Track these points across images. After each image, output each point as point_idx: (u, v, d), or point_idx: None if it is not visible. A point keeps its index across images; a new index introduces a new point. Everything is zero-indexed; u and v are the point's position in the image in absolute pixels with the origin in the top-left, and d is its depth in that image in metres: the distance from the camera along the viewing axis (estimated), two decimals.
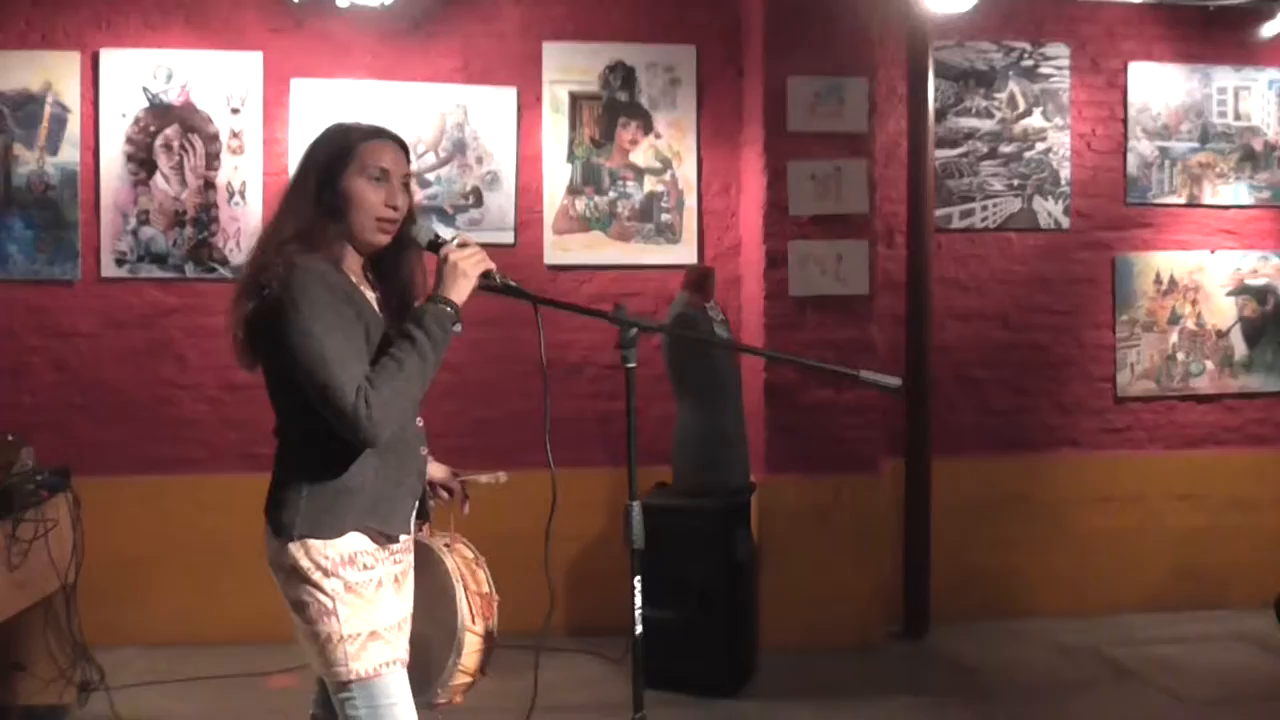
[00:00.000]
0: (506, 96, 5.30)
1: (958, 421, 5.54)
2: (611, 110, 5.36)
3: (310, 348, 2.20)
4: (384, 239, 2.41)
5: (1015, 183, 5.58)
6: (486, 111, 5.28)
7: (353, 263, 2.41)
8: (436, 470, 2.75)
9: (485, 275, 2.40)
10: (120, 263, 5.15)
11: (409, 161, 2.46)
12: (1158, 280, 5.69)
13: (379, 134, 2.42)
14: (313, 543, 2.30)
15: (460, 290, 2.36)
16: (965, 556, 5.45)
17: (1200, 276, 5.72)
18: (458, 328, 2.35)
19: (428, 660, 2.60)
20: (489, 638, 2.64)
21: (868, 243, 5.07)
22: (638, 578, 2.45)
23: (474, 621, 2.60)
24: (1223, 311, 5.75)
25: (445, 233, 2.46)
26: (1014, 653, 5.02)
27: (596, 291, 5.36)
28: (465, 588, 2.64)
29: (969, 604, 5.44)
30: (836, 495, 5.03)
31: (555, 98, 5.33)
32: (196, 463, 5.11)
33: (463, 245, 2.40)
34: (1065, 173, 5.61)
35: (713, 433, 4.60)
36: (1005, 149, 5.57)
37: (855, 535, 5.04)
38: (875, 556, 5.09)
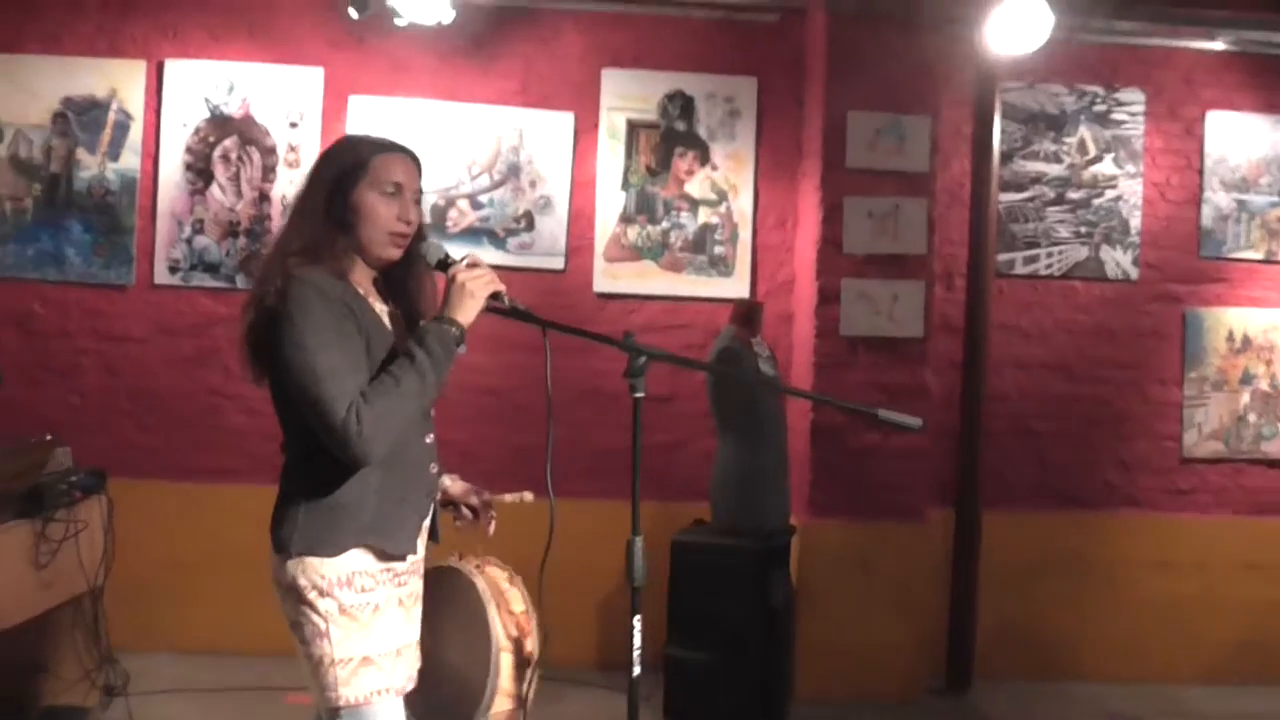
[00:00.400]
0: (563, 121, 5.27)
1: (1012, 474, 5.36)
2: (669, 139, 5.31)
3: (303, 361, 2.15)
4: (395, 254, 2.37)
5: (1082, 230, 5.42)
6: (542, 136, 5.26)
7: (362, 276, 2.37)
8: (457, 489, 2.68)
9: (494, 297, 2.34)
10: (173, 270, 5.19)
11: (421, 176, 2.42)
12: (1230, 338, 5.48)
13: (392, 147, 2.39)
14: (310, 560, 2.25)
15: (467, 311, 2.30)
16: (1013, 613, 5.27)
17: (1276, 335, 5.49)
18: (462, 349, 2.29)
19: (467, 692, 2.54)
20: (528, 658, 2.57)
21: (924, 284, 4.95)
22: (637, 617, 2.36)
23: (508, 641, 2.54)
24: None
25: (455, 252, 2.41)
26: (1058, 716, 4.82)
27: (645, 321, 5.28)
28: (498, 606, 2.58)
29: (1014, 663, 5.24)
30: (881, 542, 4.88)
31: (612, 125, 5.28)
32: (237, 473, 5.10)
33: (472, 266, 2.34)
34: (1135, 222, 5.43)
35: (752, 471, 4.50)
36: (1073, 195, 5.42)
37: (898, 584, 4.88)
38: (919, 607, 4.93)
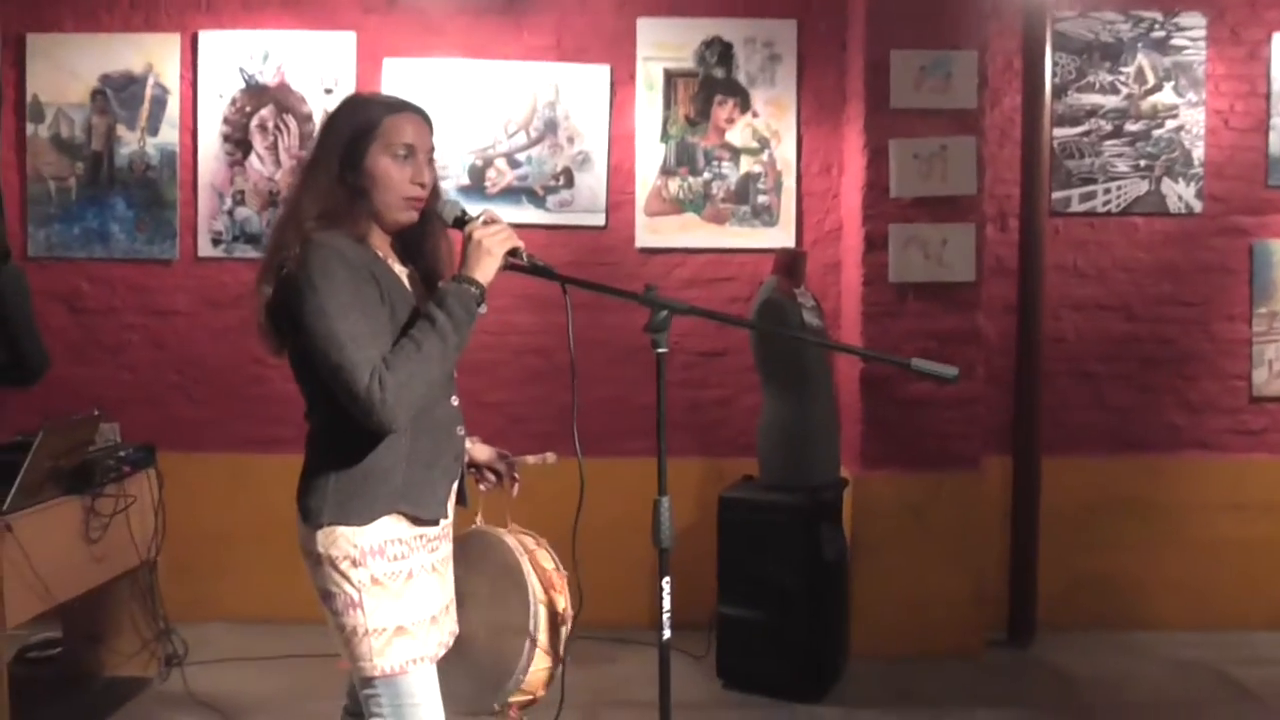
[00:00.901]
0: (599, 74, 5.16)
1: (1072, 419, 5.20)
2: (707, 88, 5.18)
3: (324, 327, 2.11)
4: (411, 217, 2.33)
5: (1142, 163, 5.20)
6: (579, 90, 5.16)
7: (379, 239, 2.33)
8: (481, 452, 2.66)
9: (512, 253, 2.28)
10: (216, 243, 5.20)
11: (432, 133, 2.36)
12: None
13: (403, 107, 2.33)
14: (341, 530, 2.23)
15: (485, 269, 2.25)
16: (1076, 562, 5.13)
17: None
18: (483, 308, 2.24)
19: (504, 651, 2.53)
20: (562, 615, 2.55)
21: (975, 226, 4.78)
22: (666, 579, 2.29)
23: (544, 593, 2.52)
24: None
25: (472, 209, 2.34)
26: (1126, 666, 4.68)
27: (690, 275, 5.20)
28: (531, 561, 2.56)
29: (1079, 613, 5.12)
30: (936, 493, 4.77)
31: (649, 75, 5.17)
32: (286, 442, 5.09)
33: (489, 222, 2.28)
34: (1198, 153, 5.19)
35: (799, 425, 4.39)
36: (1131, 127, 5.19)
37: (955, 536, 4.77)
38: (977, 559, 4.81)
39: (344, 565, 2.23)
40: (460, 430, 2.44)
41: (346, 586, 2.24)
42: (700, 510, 4.90)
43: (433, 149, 2.37)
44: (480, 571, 2.59)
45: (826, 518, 4.43)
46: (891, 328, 4.79)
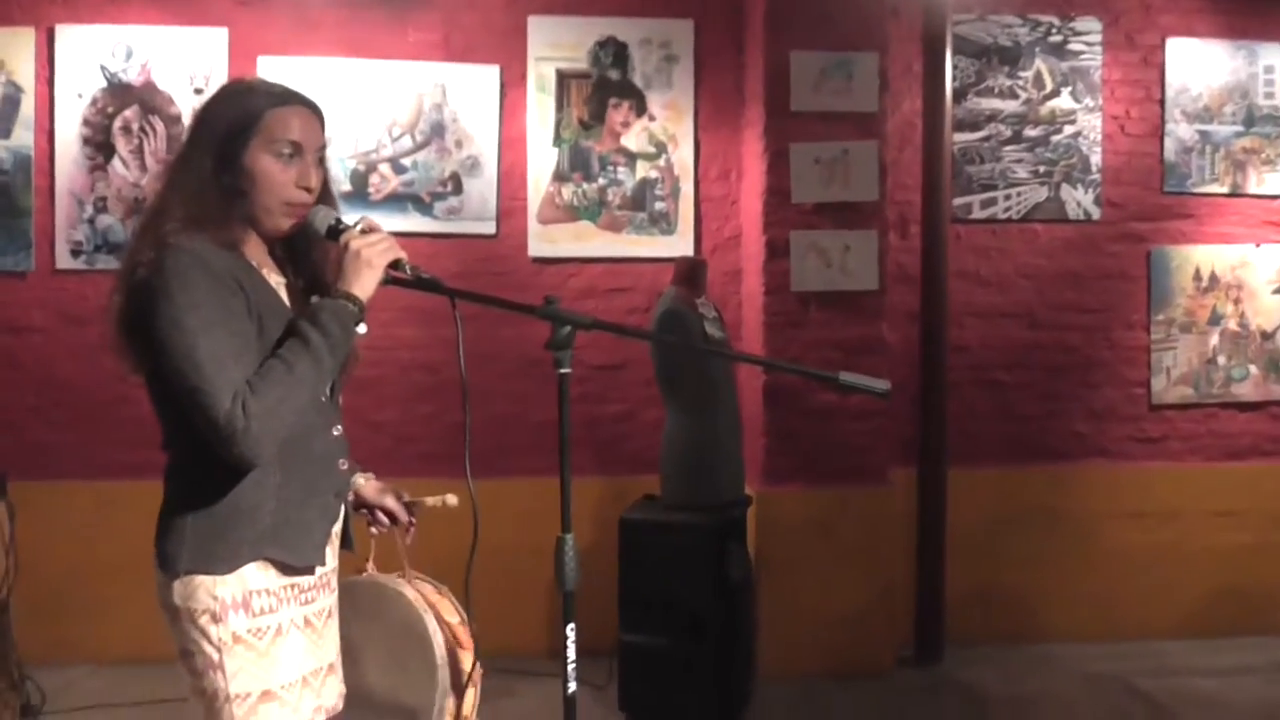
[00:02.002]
0: (489, 75, 4.92)
1: (977, 428, 5.11)
2: (602, 90, 4.97)
3: (181, 343, 1.82)
4: (289, 224, 2.04)
5: (1041, 169, 5.14)
6: (467, 91, 4.91)
7: (254, 246, 2.04)
8: (371, 491, 2.35)
9: (394, 265, 2.02)
10: (76, 254, 4.82)
11: (324, 130, 2.09)
12: (1197, 276, 5.23)
13: (290, 97, 2.03)
14: (200, 579, 1.93)
15: (365, 283, 1.98)
16: (984, 575, 5.04)
17: (1244, 273, 5.25)
18: (362, 327, 1.99)
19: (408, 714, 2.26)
20: (470, 678, 2.28)
21: (877, 233, 4.66)
22: (570, 626, 2.06)
23: (449, 658, 2.26)
24: (1269, 311, 5.27)
25: (350, 217, 2.08)
26: (1036, 682, 4.59)
27: (585, 285, 4.98)
28: (436, 617, 2.29)
29: (987, 627, 5.02)
30: (842, 508, 4.63)
31: (541, 76, 4.94)
32: (155, 468, 4.73)
33: (367, 231, 2.03)
34: (1096, 158, 5.16)
35: (703, 440, 4.20)
36: (1031, 132, 5.13)
37: (863, 551, 4.63)
38: (885, 574, 4.68)
39: (202, 620, 1.94)
40: (343, 464, 2.15)
41: (205, 645, 1.95)
42: (600, 531, 4.67)
43: (323, 146, 2.08)
44: (375, 627, 2.31)
45: (732, 536, 4.24)
46: (795, 338, 4.65)
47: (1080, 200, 5.16)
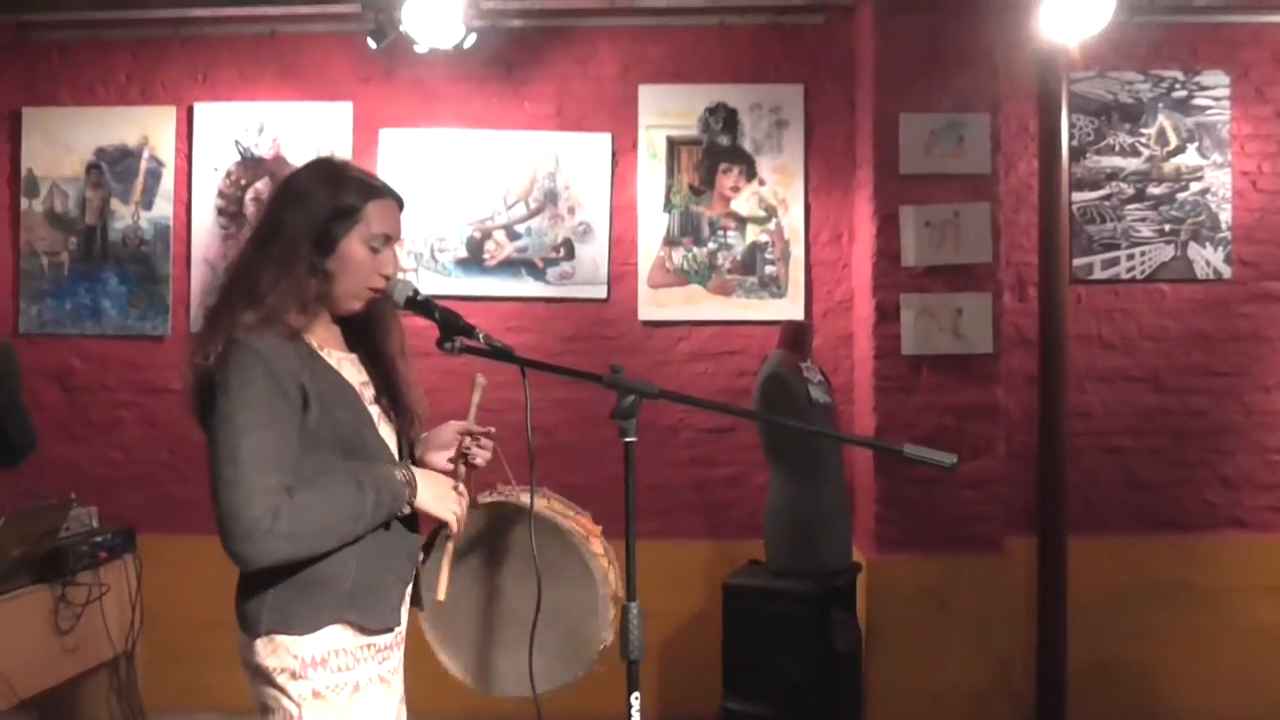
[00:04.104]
0: (600, 143, 5.03)
1: (1099, 496, 4.94)
2: (712, 155, 5.03)
3: (228, 437, 1.94)
4: (361, 306, 2.16)
5: (1167, 228, 4.98)
6: (579, 159, 5.02)
7: (322, 328, 2.15)
8: (436, 452, 2.34)
9: (468, 335, 2.15)
10: None
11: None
12: None
13: (385, 192, 2.17)
14: (281, 639, 2.04)
15: (426, 502, 2.17)
16: (1108, 650, 4.84)
17: None
18: (407, 509, 2.13)
19: (574, 614, 2.44)
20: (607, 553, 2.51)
21: (991, 295, 4.58)
22: (635, 695, 2.08)
23: (592, 543, 2.47)
24: None
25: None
26: None
27: (695, 349, 5.01)
28: (565, 518, 2.47)
29: (1111, 705, 4.82)
30: (955, 577, 4.51)
31: (652, 143, 5.02)
32: None
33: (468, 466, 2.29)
34: (1225, 216, 4.98)
35: (808, 506, 4.17)
36: (1155, 190, 4.99)
37: (978, 623, 4.51)
38: (1001, 648, 4.54)
39: (282, 679, 2.04)
40: (415, 526, 2.25)
41: (285, 701, 2.05)
42: (707, 596, 4.67)
43: (401, 235, 2.22)
44: (504, 551, 2.46)
45: (838, 604, 4.19)
46: (905, 403, 4.58)
47: (1209, 259, 4.98)
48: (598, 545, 2.51)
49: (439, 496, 2.18)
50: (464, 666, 2.55)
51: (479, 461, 2.32)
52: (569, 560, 2.43)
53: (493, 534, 2.47)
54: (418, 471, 2.16)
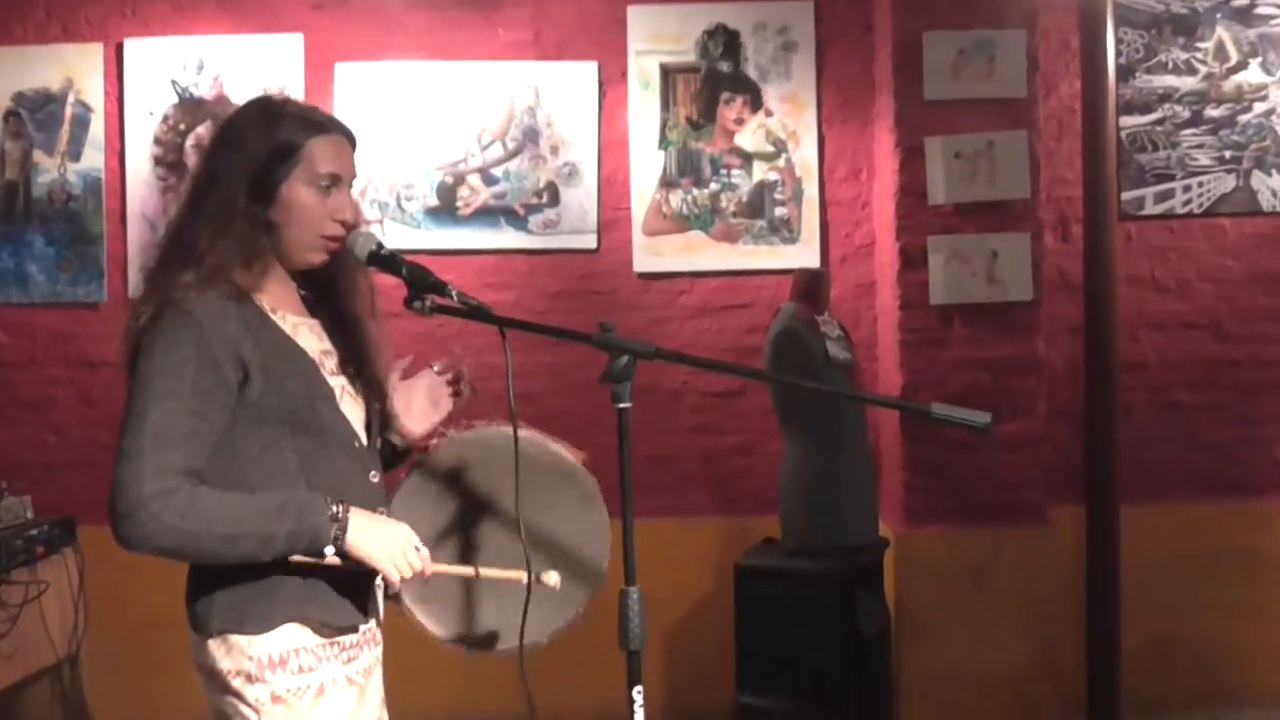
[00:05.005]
0: (585, 72, 5.05)
1: (1155, 458, 5.02)
2: (712, 84, 5.05)
3: (137, 403, 1.98)
4: (322, 258, 2.18)
5: (1228, 155, 5.03)
6: (562, 92, 5.04)
7: (277, 287, 2.18)
8: (411, 413, 2.42)
9: (440, 293, 2.18)
10: None
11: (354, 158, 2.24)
12: None
13: (330, 126, 2.19)
14: (235, 639, 2.08)
15: (361, 548, 2.09)
16: (1166, 627, 4.94)
17: None
18: (329, 550, 2.06)
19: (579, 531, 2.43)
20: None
21: (1030, 235, 4.62)
22: (638, 689, 2.12)
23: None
24: None
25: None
26: None
27: (698, 303, 5.06)
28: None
29: (1170, 688, 4.92)
30: (995, 551, 4.59)
31: (643, 71, 5.04)
32: None
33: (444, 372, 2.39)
34: None
35: (826, 476, 4.23)
36: (1213, 112, 5.03)
37: (1020, 601, 4.59)
38: (1047, 628, 4.63)
39: (236, 682, 2.08)
40: (383, 512, 2.27)
41: (242, 707, 2.09)
42: (717, 579, 4.74)
43: (355, 176, 2.23)
44: (480, 476, 2.43)
45: (864, 585, 4.29)
46: (936, 357, 4.63)
47: (1276, 189, 5.03)
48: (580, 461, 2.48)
49: (385, 546, 2.10)
50: (455, 633, 2.47)
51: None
52: (555, 484, 2.42)
53: (463, 479, 2.44)
54: (361, 516, 2.10)
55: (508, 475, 2.26)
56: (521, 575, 2.25)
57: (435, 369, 2.45)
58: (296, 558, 2.04)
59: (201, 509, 1.96)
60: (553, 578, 2.27)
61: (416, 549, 2.13)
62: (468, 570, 2.27)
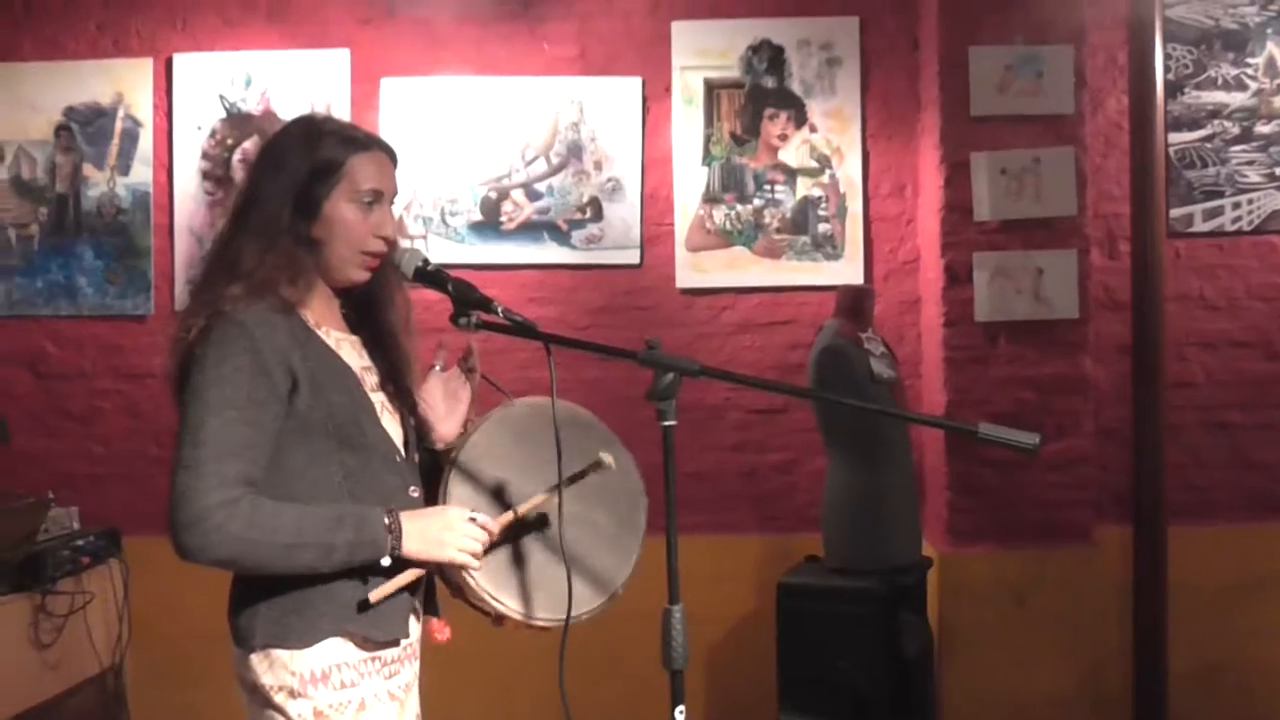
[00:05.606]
0: (630, 88, 5.04)
1: (1204, 479, 4.95)
2: (756, 100, 5.03)
3: (194, 414, 1.99)
4: (364, 275, 2.20)
5: (1278, 171, 4.95)
6: (606, 107, 5.04)
7: (320, 303, 2.19)
8: (438, 405, 2.43)
9: (486, 309, 2.18)
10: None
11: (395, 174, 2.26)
12: None
13: (370, 143, 2.22)
14: (277, 654, 2.09)
15: (422, 549, 2.12)
16: (1215, 652, 4.84)
17: None
18: (385, 561, 2.09)
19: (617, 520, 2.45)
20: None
21: (1077, 252, 4.58)
22: (680, 709, 2.10)
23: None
24: None
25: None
26: None
27: (740, 319, 5.04)
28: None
29: (1219, 714, 4.84)
30: (1039, 572, 4.55)
31: (687, 87, 5.03)
32: None
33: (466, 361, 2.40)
34: None
35: (871, 495, 4.19)
36: (1264, 129, 4.95)
37: (1065, 623, 4.54)
38: (1092, 650, 4.57)
39: (279, 698, 2.08)
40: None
41: None
42: (759, 597, 4.71)
43: (396, 193, 2.25)
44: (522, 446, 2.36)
45: (907, 605, 4.23)
46: (980, 376, 4.60)
47: None
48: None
49: (440, 539, 2.12)
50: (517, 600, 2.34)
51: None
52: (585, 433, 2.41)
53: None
54: (410, 519, 2.12)
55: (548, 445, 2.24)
56: (550, 498, 2.25)
57: (437, 368, 2.47)
58: (375, 595, 2.08)
59: (264, 519, 1.98)
60: (607, 457, 2.27)
61: (472, 519, 2.14)
62: (507, 516, 2.22)
